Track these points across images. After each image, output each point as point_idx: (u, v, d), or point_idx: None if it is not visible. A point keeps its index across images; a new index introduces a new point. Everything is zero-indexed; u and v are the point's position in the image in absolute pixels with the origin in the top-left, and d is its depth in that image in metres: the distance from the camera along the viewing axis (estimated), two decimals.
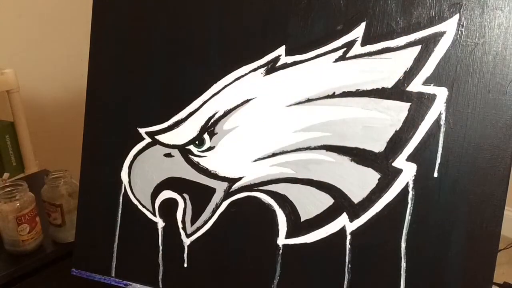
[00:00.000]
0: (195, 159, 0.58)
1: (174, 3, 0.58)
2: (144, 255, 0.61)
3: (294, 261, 0.55)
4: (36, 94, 1.41)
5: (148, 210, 0.61)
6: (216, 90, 0.57)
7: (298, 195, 0.55)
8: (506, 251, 1.28)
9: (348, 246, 0.53)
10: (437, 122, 0.50)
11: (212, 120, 0.57)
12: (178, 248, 0.59)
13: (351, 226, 0.53)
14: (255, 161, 0.56)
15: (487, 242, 0.50)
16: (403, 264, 0.52)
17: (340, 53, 0.52)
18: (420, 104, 0.50)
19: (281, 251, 0.56)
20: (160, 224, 0.60)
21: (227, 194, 0.57)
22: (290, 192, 0.55)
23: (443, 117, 0.50)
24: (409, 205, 0.51)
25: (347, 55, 0.52)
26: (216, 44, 0.56)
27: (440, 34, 0.49)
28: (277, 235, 0.56)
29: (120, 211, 0.62)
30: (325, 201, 0.54)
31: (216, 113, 0.57)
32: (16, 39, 1.32)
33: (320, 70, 0.53)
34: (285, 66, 0.54)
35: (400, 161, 0.51)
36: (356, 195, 0.53)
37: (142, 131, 0.60)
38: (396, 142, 0.51)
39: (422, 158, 0.50)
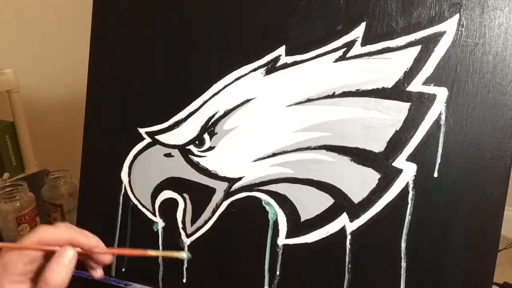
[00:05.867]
0: (195, 159, 0.58)
1: (174, 3, 0.58)
2: None
3: (294, 261, 0.55)
4: (36, 94, 1.41)
5: (148, 210, 0.61)
6: (216, 90, 0.57)
7: (298, 195, 0.55)
8: (506, 251, 1.28)
9: (348, 246, 0.53)
10: (437, 122, 0.50)
11: (212, 120, 0.57)
12: (178, 248, 0.59)
13: (351, 226, 0.53)
14: (255, 161, 0.56)
15: (487, 242, 0.49)
16: (403, 264, 0.52)
17: (340, 53, 0.52)
18: (420, 104, 0.50)
19: (281, 251, 0.56)
20: (160, 224, 0.60)
21: (227, 194, 0.57)
22: (290, 192, 0.55)
23: (443, 117, 0.50)
24: (409, 205, 0.51)
25: (347, 55, 0.52)
26: (216, 44, 0.57)
27: (440, 34, 0.49)
28: (277, 235, 0.56)
29: (120, 211, 0.62)
30: (325, 201, 0.54)
31: (216, 113, 0.57)
32: (16, 39, 1.32)
33: (320, 70, 0.53)
34: (285, 66, 0.54)
35: (400, 161, 0.51)
36: (356, 195, 0.53)
37: (142, 131, 0.60)
38: (396, 142, 0.51)
39: (422, 158, 0.50)
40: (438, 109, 0.50)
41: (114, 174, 0.61)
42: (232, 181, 0.57)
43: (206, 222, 0.58)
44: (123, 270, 0.62)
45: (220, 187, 0.57)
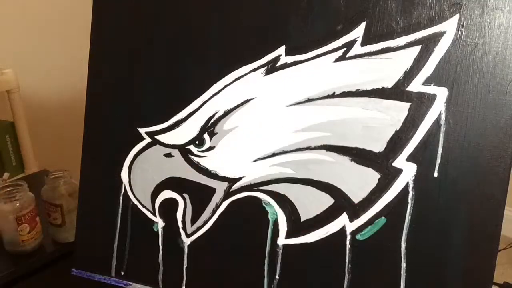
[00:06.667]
0: (195, 159, 0.58)
1: (173, 3, 0.58)
2: (144, 255, 0.61)
3: (294, 261, 0.55)
4: (36, 94, 1.41)
5: (148, 210, 0.61)
6: (216, 90, 0.57)
7: (298, 195, 0.55)
8: (506, 251, 1.28)
9: (348, 246, 0.53)
10: (437, 122, 0.50)
11: (212, 120, 0.57)
12: (178, 248, 0.59)
13: (351, 226, 0.53)
14: (255, 161, 0.56)
15: (487, 242, 0.49)
16: (403, 264, 0.52)
17: (340, 53, 0.52)
18: (420, 104, 0.50)
19: (281, 251, 0.56)
20: (160, 224, 0.60)
21: (227, 194, 0.57)
22: (290, 192, 0.55)
23: (443, 117, 0.50)
24: (409, 205, 0.51)
25: (347, 55, 0.52)
26: (216, 44, 0.56)
27: (440, 34, 0.49)
28: (277, 235, 0.56)
29: (120, 211, 0.62)
30: (325, 201, 0.54)
31: (216, 113, 0.57)
32: (16, 39, 1.32)
33: (320, 70, 0.53)
34: (285, 66, 0.54)
35: (400, 161, 0.51)
36: (356, 195, 0.53)
37: (142, 131, 0.60)
38: (396, 142, 0.51)
39: (422, 158, 0.50)
40: (438, 109, 0.50)
41: (114, 174, 0.61)
42: (232, 181, 0.57)
43: (206, 222, 0.58)
44: (123, 270, 0.62)
45: (220, 187, 0.57)
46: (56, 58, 1.43)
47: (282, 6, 0.54)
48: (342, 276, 0.53)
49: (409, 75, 0.50)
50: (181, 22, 0.58)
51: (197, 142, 0.58)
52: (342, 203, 0.53)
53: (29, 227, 0.72)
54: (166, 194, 0.60)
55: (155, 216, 0.60)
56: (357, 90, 0.52)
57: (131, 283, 0.62)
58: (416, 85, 0.50)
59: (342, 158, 0.53)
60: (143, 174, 0.60)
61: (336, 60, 0.52)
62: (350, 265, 0.53)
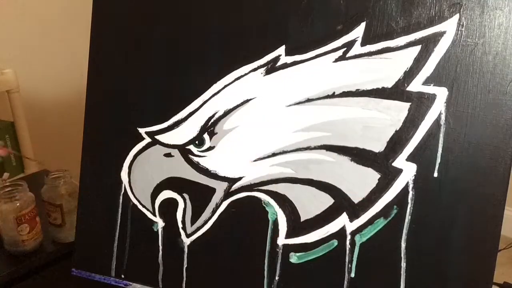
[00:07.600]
0: (195, 159, 0.58)
1: (173, 3, 0.58)
2: (144, 255, 0.61)
3: (294, 261, 0.55)
4: (36, 94, 1.41)
5: (148, 210, 0.61)
6: (216, 90, 0.57)
7: (298, 195, 0.55)
8: (506, 251, 1.28)
9: (348, 246, 0.53)
10: (437, 122, 0.50)
11: (212, 120, 0.57)
12: (178, 248, 0.59)
13: (351, 226, 0.53)
14: (255, 161, 0.56)
15: (487, 242, 0.49)
16: (403, 264, 0.52)
17: (340, 53, 0.52)
18: (420, 104, 0.50)
19: (281, 251, 0.56)
20: (160, 224, 0.60)
21: (227, 194, 0.57)
22: (290, 192, 0.55)
23: (443, 117, 0.50)
24: (409, 205, 0.51)
25: (347, 55, 0.52)
26: (216, 44, 0.56)
27: (440, 34, 0.49)
28: (277, 235, 0.56)
29: (120, 211, 0.62)
30: (325, 201, 0.54)
31: (216, 113, 0.57)
32: (16, 39, 1.32)
33: (320, 70, 0.53)
34: (285, 66, 0.54)
35: (400, 161, 0.51)
36: (356, 195, 0.53)
37: (142, 131, 0.60)
38: (396, 142, 0.51)
39: (422, 158, 0.50)
40: (438, 109, 0.50)
41: (114, 174, 0.61)
42: (232, 181, 0.57)
43: (206, 222, 0.58)
44: (123, 270, 0.62)
45: (220, 187, 0.57)
46: (56, 58, 1.43)
47: (282, 6, 0.54)
48: (342, 276, 0.53)
49: (409, 75, 0.50)
50: (181, 22, 0.58)
51: (197, 142, 0.58)
52: (342, 203, 0.53)
53: (29, 227, 0.72)
54: (166, 194, 0.60)
55: (155, 216, 0.60)
56: (357, 90, 0.52)
57: (131, 283, 0.62)
58: (416, 85, 0.50)
59: (342, 158, 0.53)
60: (143, 174, 0.60)
61: (336, 60, 0.52)
62: (350, 265, 0.53)
